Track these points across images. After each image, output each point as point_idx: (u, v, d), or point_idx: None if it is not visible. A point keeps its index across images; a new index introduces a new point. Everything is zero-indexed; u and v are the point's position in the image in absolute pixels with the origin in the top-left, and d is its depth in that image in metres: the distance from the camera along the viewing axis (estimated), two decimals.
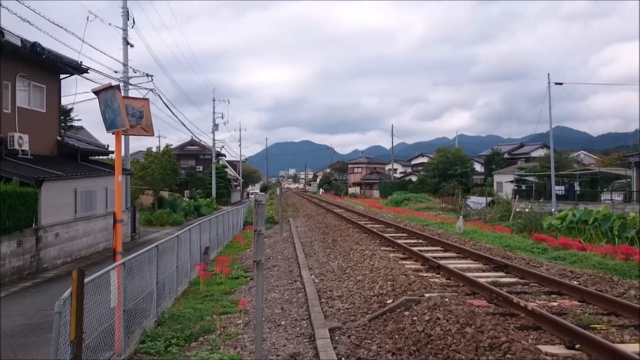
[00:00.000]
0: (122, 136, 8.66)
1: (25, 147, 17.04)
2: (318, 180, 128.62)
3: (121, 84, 23.90)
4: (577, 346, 6.08)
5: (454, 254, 13.96)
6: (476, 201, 40.88)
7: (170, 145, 42.17)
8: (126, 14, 25.54)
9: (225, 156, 73.36)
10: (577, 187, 40.96)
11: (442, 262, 11.91)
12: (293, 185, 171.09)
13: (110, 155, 26.78)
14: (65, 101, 23.61)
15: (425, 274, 10.90)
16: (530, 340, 6.35)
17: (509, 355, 5.49)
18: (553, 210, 30.97)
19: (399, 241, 15.95)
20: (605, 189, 38.78)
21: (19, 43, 16.06)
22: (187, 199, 44.86)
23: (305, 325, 7.89)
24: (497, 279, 10.48)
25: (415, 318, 7.02)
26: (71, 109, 35.94)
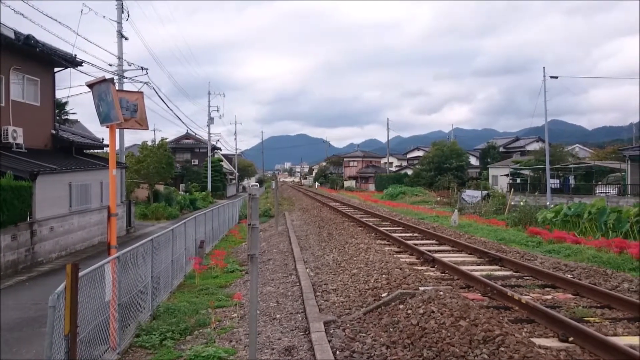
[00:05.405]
0: (117, 130, 8.63)
1: (20, 140, 16.96)
2: (314, 173, 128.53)
3: (116, 78, 23.79)
4: (571, 339, 6.12)
5: (448, 248, 14.00)
6: (471, 195, 40.99)
7: (166, 138, 42.03)
8: (120, 7, 25.40)
9: (221, 150, 73.26)
10: (572, 181, 41.06)
11: (437, 255, 11.95)
12: (289, 179, 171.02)
13: (105, 149, 26.70)
14: (59, 94, 23.52)
15: (420, 268, 10.93)
16: (524, 333, 6.38)
17: (502, 348, 5.52)
18: (548, 203, 31.08)
19: (394, 235, 15.99)
20: (600, 183, 38.91)
21: (12, 36, 15.95)
22: (182, 193, 44.76)
23: (300, 318, 7.91)
24: (492, 272, 10.52)
25: (409, 311, 7.04)
26: (66, 102, 35.79)
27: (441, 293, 7.43)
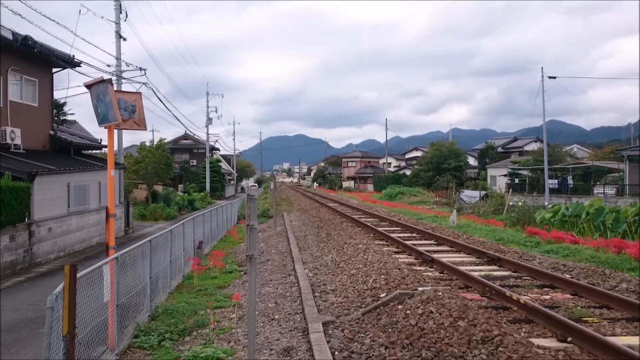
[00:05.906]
0: (115, 130, 8.63)
1: (18, 141, 16.93)
2: (312, 174, 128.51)
3: (114, 78, 23.77)
4: (569, 339, 6.12)
5: (447, 248, 14.01)
6: (470, 195, 41.02)
7: (164, 139, 42.02)
8: (119, 8, 25.37)
9: (219, 150, 73.27)
10: (570, 181, 41.13)
11: (435, 255, 11.95)
12: (287, 179, 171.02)
13: (104, 150, 26.67)
14: (58, 95, 23.50)
15: (418, 268, 10.93)
16: (522, 334, 6.38)
17: (501, 349, 5.52)
18: (546, 203, 31.11)
19: (392, 235, 15.99)
20: (598, 183, 38.96)
21: (10, 36, 15.93)
22: (181, 193, 44.74)
23: (298, 319, 7.91)
24: (490, 272, 10.53)
25: (408, 312, 7.04)
26: (64, 103, 35.77)
27: (440, 293, 7.43)
